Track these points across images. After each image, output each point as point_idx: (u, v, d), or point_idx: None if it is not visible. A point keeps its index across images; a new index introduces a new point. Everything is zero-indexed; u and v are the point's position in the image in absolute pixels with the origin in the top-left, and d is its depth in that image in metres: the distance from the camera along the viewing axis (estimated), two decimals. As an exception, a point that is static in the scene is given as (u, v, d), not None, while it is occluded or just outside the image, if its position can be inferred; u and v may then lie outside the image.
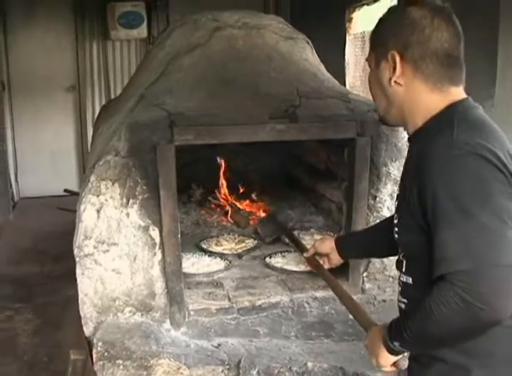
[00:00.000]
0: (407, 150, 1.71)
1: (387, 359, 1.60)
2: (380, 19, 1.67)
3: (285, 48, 3.04)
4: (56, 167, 6.88)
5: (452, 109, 1.53)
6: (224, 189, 3.75)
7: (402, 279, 1.66)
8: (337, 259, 2.31)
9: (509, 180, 1.42)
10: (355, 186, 2.67)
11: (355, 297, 2.72)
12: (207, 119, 2.48)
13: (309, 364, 2.32)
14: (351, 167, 2.69)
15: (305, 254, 2.51)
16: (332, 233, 3.16)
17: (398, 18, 1.58)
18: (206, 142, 2.49)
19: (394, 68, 1.57)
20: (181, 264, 2.55)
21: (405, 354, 1.58)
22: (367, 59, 1.71)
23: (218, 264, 2.98)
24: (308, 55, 3.15)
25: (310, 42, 3.23)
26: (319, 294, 2.70)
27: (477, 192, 1.38)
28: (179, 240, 2.52)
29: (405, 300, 1.66)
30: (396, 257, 1.73)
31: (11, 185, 6.53)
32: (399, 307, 1.71)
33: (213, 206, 3.80)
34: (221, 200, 3.76)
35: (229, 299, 2.67)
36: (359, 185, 2.67)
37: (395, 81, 1.58)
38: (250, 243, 3.28)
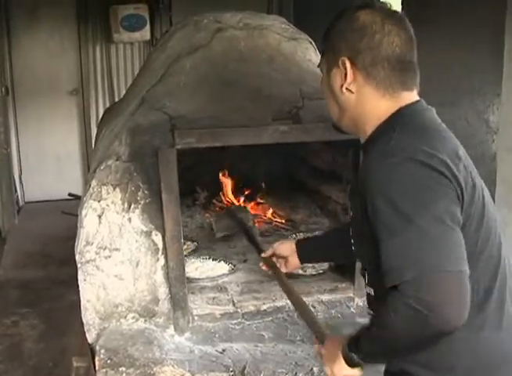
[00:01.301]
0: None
1: (342, 370, 1.53)
2: (331, 24, 1.60)
3: (287, 49, 3.01)
4: (61, 170, 6.87)
5: (398, 114, 1.50)
6: (228, 192, 3.73)
7: (366, 290, 1.62)
8: (295, 263, 2.16)
9: (453, 183, 1.37)
10: (360, 187, 2.63)
11: (361, 300, 2.72)
12: (209, 122, 2.45)
13: (315, 369, 2.29)
14: (355, 168, 2.65)
15: (263, 254, 2.31)
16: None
17: (348, 23, 1.53)
18: (208, 145, 2.46)
19: (346, 75, 1.52)
20: (184, 269, 2.52)
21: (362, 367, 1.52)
22: (318, 65, 1.67)
23: (222, 268, 2.95)
24: (311, 55, 3.11)
25: (313, 43, 3.20)
26: (325, 297, 2.68)
27: (415, 198, 1.34)
28: (182, 244, 2.50)
29: (371, 311, 1.63)
30: None
31: (16, 189, 6.53)
32: (369, 318, 1.67)
33: (218, 209, 3.77)
34: (226, 202, 3.74)
35: (234, 304, 2.64)
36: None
37: (347, 88, 1.53)
38: (191, 246, 3.26)
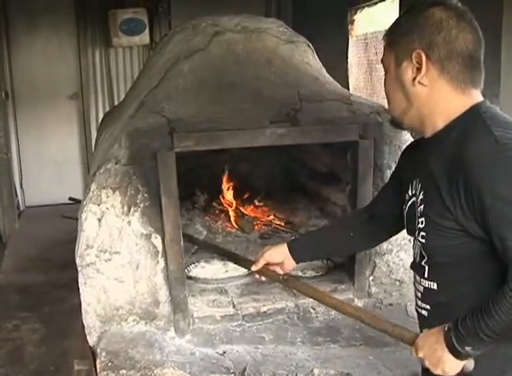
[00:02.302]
0: (420, 151, 1.67)
1: (457, 366, 1.49)
2: (400, 19, 1.62)
3: (285, 52, 3.02)
4: (61, 175, 6.87)
5: (476, 109, 1.51)
6: (228, 195, 3.73)
7: (423, 284, 1.62)
8: (291, 265, 2.11)
9: None
10: (359, 188, 2.64)
11: (361, 301, 2.73)
12: (207, 125, 2.46)
13: (316, 371, 2.29)
14: (354, 170, 2.66)
15: (253, 268, 2.18)
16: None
17: (423, 17, 1.54)
18: (206, 148, 2.47)
19: (418, 68, 1.53)
20: (184, 271, 2.53)
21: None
22: (382, 60, 1.67)
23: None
24: (309, 58, 3.12)
25: (311, 45, 3.21)
26: (325, 299, 2.67)
27: None
28: (182, 247, 2.51)
29: (427, 306, 1.63)
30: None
31: (16, 194, 6.52)
32: (419, 313, 1.68)
33: (217, 212, 3.78)
34: (226, 205, 3.74)
35: (234, 306, 2.65)
36: (363, 188, 2.64)
37: (419, 82, 1.54)
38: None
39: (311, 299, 2.62)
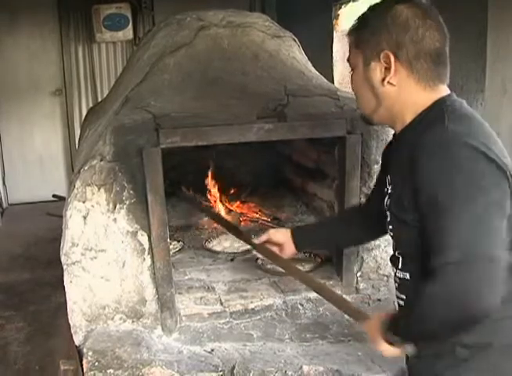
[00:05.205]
0: (392, 147, 1.72)
1: (392, 350, 1.59)
2: (366, 17, 1.62)
3: (272, 47, 3.01)
4: (44, 172, 6.82)
5: (440, 103, 1.53)
6: (214, 191, 3.71)
7: (398, 275, 1.66)
8: (290, 250, 2.20)
9: (505, 174, 1.41)
10: (346, 184, 2.63)
11: (349, 297, 2.72)
12: (194, 120, 2.43)
13: (304, 367, 2.28)
14: (341, 165, 2.65)
15: (256, 241, 2.35)
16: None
17: (389, 16, 1.54)
18: (193, 144, 2.44)
19: (387, 68, 1.54)
20: (171, 269, 2.51)
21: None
22: (349, 59, 1.67)
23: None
24: (295, 53, 3.11)
25: (297, 40, 3.19)
26: (313, 295, 2.66)
27: (473, 186, 1.37)
28: (168, 244, 2.48)
29: (403, 296, 1.66)
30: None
31: (-1, 191, 6.48)
32: (398, 304, 1.71)
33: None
34: (212, 201, 3.72)
35: (221, 303, 2.63)
36: (350, 183, 2.63)
37: (388, 82, 1.55)
38: (177, 245, 3.30)
39: (298, 296, 2.66)
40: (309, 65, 3.12)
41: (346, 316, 2.57)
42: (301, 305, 2.67)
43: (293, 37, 3.19)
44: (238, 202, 3.77)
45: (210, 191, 3.71)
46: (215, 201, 3.70)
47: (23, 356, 3.37)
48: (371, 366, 2.29)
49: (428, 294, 1.41)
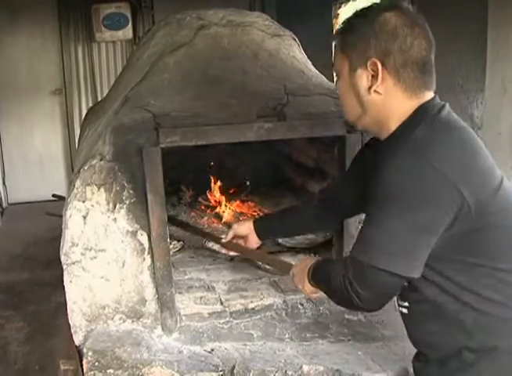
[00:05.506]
0: (375, 151, 1.71)
1: (311, 289, 1.87)
2: (354, 22, 1.60)
3: (271, 46, 3.00)
4: (44, 171, 6.82)
5: (422, 110, 1.53)
6: (214, 190, 3.71)
7: None
8: (254, 241, 2.38)
9: (455, 188, 1.41)
10: (346, 183, 2.62)
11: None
12: (194, 120, 2.43)
13: (305, 367, 2.27)
14: (341, 164, 2.64)
15: (223, 240, 2.55)
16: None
17: (378, 24, 1.52)
18: (193, 143, 2.44)
19: (374, 76, 1.53)
20: (171, 269, 2.50)
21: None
22: (334, 63, 1.67)
23: None
24: (295, 52, 3.10)
25: (297, 39, 3.19)
26: (313, 294, 2.66)
27: (410, 200, 1.40)
28: (168, 244, 2.48)
29: (406, 303, 1.65)
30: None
31: (-1, 191, 6.48)
32: (401, 312, 1.70)
33: (203, 207, 3.76)
34: (212, 201, 3.72)
35: (221, 303, 2.62)
36: (350, 182, 2.63)
37: (375, 90, 1.54)
38: (177, 245, 3.28)
39: (298, 295, 2.65)
40: (309, 64, 3.11)
41: (346, 316, 2.60)
42: (301, 304, 2.66)
43: (293, 36, 3.18)
44: (238, 201, 3.76)
45: (210, 191, 3.71)
46: (215, 201, 3.70)
47: (23, 356, 3.37)
48: (371, 366, 2.29)
49: (336, 272, 1.57)
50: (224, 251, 2.62)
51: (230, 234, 2.48)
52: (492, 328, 1.50)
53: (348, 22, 1.62)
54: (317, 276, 1.81)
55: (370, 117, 1.59)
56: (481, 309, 1.50)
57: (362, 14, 1.60)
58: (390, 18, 1.52)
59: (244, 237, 2.42)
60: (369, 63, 1.52)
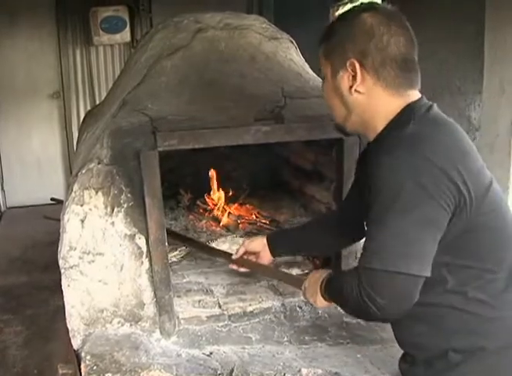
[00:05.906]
0: (366, 156, 1.73)
1: (323, 302, 1.85)
2: (333, 27, 1.63)
3: (269, 49, 3.00)
4: (42, 175, 6.81)
5: (409, 109, 1.54)
6: (212, 194, 3.71)
7: None
8: (267, 258, 2.31)
9: (453, 184, 1.41)
10: (344, 186, 2.62)
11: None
12: (191, 123, 2.43)
13: (303, 370, 2.27)
14: (339, 167, 2.65)
15: (234, 256, 2.46)
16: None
17: (355, 25, 1.56)
18: (190, 146, 2.44)
19: (354, 76, 1.55)
20: (169, 272, 2.50)
21: None
22: (320, 68, 1.69)
23: None
24: (292, 54, 3.10)
25: (294, 42, 3.19)
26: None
27: (411, 198, 1.40)
28: (166, 247, 2.48)
29: None
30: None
31: (-3, 195, 6.47)
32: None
33: (201, 211, 3.76)
34: (210, 204, 3.72)
35: (220, 306, 2.62)
36: (348, 185, 2.59)
37: (356, 90, 1.56)
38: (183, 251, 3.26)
39: (297, 298, 2.65)
40: (306, 67, 3.11)
41: (345, 319, 2.60)
42: (300, 307, 2.66)
43: (291, 39, 3.18)
44: (236, 204, 3.76)
45: (209, 194, 3.71)
46: (214, 204, 3.70)
47: (22, 360, 3.35)
48: (370, 369, 2.29)
49: (349, 284, 1.52)
50: (234, 266, 2.51)
51: (241, 251, 2.41)
52: (479, 329, 1.51)
53: (329, 28, 1.65)
54: (331, 290, 1.77)
55: (357, 117, 1.62)
56: (470, 310, 1.52)
57: (342, 17, 1.65)
58: (366, 18, 1.55)
59: (256, 254, 2.35)
60: (348, 64, 1.55)
